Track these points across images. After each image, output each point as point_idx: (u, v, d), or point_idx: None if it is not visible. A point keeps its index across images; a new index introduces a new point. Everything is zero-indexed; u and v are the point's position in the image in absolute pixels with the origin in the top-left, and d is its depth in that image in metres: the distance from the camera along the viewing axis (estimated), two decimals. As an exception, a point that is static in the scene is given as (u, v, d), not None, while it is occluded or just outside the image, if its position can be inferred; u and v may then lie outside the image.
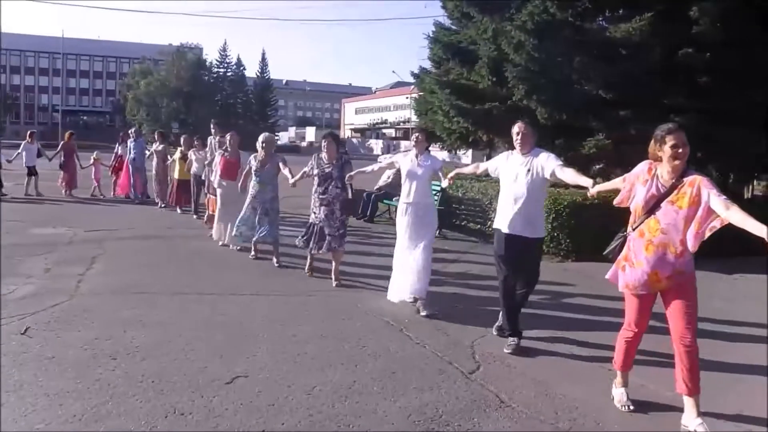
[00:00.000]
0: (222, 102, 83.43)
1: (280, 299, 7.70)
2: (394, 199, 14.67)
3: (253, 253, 10.04)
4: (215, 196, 11.72)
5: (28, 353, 5.43)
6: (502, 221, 6.11)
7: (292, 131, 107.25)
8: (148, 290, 7.84)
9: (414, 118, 44.02)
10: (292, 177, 9.02)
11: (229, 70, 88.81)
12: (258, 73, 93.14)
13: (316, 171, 8.53)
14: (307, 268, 8.99)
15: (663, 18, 11.48)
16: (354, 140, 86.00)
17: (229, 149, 11.07)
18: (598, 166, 13.97)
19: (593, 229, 10.04)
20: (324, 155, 8.55)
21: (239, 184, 10.14)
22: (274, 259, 9.67)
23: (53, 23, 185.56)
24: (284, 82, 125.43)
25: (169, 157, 16.65)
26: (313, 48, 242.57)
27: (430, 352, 5.88)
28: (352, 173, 8.20)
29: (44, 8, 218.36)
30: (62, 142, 19.21)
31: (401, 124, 79.93)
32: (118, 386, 4.76)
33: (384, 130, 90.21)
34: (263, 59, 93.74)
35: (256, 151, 9.97)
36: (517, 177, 6.00)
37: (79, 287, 7.85)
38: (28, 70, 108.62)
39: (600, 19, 13.98)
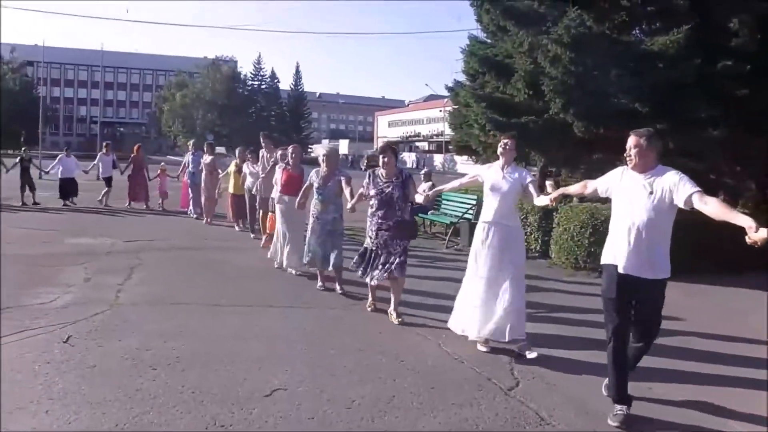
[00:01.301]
0: (256, 114, 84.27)
1: (316, 312, 7.72)
2: (429, 213, 14.68)
3: (320, 283, 8.98)
4: (272, 212, 10.91)
5: (71, 362, 5.52)
6: (615, 256, 4.87)
7: (325, 144, 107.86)
8: (185, 301, 7.93)
9: (448, 131, 44.00)
10: (350, 199, 7.89)
11: (263, 82, 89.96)
12: (292, 86, 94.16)
13: (372, 191, 7.41)
14: (368, 303, 7.86)
15: (700, 30, 11.37)
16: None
17: (291, 162, 10.12)
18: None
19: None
20: (382, 172, 7.42)
21: (297, 201, 9.03)
22: (337, 286, 8.72)
23: (93, 37, 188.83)
24: (317, 94, 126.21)
25: (220, 171, 15.75)
26: (347, 61, 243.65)
27: (468, 367, 5.85)
28: (430, 192, 7.36)
29: (84, 23, 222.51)
30: (132, 155, 19.09)
31: (434, 137, 79.88)
32: (158, 396, 4.81)
33: (417, 143, 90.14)
34: (297, 72, 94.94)
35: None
36: (635, 200, 4.78)
37: (119, 297, 7.97)
38: (68, 83, 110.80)
39: (636, 31, 13.89)
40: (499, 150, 6.48)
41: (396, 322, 7.21)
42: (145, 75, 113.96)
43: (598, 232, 10.57)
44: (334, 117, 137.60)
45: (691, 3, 11.48)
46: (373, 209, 7.44)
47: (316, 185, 8.74)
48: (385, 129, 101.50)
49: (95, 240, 12.38)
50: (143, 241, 12.43)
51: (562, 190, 6.02)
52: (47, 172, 19.19)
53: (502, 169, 6.42)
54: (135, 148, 19.37)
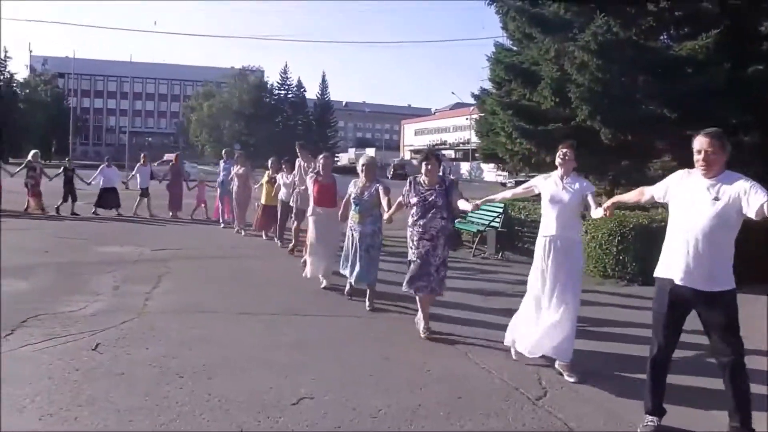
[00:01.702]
0: (282, 123, 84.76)
1: (342, 320, 7.71)
2: (456, 221, 14.61)
3: (348, 294, 8.78)
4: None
5: (99, 369, 5.57)
6: (670, 267, 4.56)
7: (351, 152, 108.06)
8: (212, 309, 7.96)
9: (474, 139, 43.91)
10: (389, 209, 7.56)
11: (290, 92, 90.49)
12: (318, 95, 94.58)
13: (414, 199, 6.99)
14: (422, 328, 7.07)
15: (730, 35, 11.25)
16: (414, 161, 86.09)
17: (321, 172, 9.73)
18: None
19: (659, 252, 9.92)
20: (424, 179, 7.00)
21: (339, 213, 8.78)
22: (367, 303, 8.25)
23: (122, 49, 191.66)
24: (344, 103, 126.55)
25: (253, 181, 15.62)
26: (373, 70, 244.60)
27: (496, 377, 5.79)
28: (479, 202, 6.84)
29: (114, 35, 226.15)
30: (170, 164, 19.16)
31: (461, 145, 79.82)
32: (185, 404, 4.83)
33: (444, 152, 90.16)
34: (323, 81, 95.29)
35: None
36: (697, 207, 4.43)
37: (147, 305, 8.02)
38: (98, 94, 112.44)
39: (664, 37, 13.79)
40: (558, 160, 6.08)
41: (423, 335, 6.93)
42: (173, 85, 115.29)
43: (626, 240, 10.48)
44: (360, 126, 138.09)
45: (720, 7, 11.38)
46: (415, 218, 7.01)
47: (353, 196, 8.38)
48: (412, 137, 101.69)
49: (123, 248, 12.50)
50: (171, 250, 12.54)
51: (616, 200, 5.67)
52: (89, 183, 19.38)
53: (562, 179, 6.02)
54: (174, 157, 19.58)
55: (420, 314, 7.16)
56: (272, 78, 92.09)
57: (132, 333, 6.72)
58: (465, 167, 73.50)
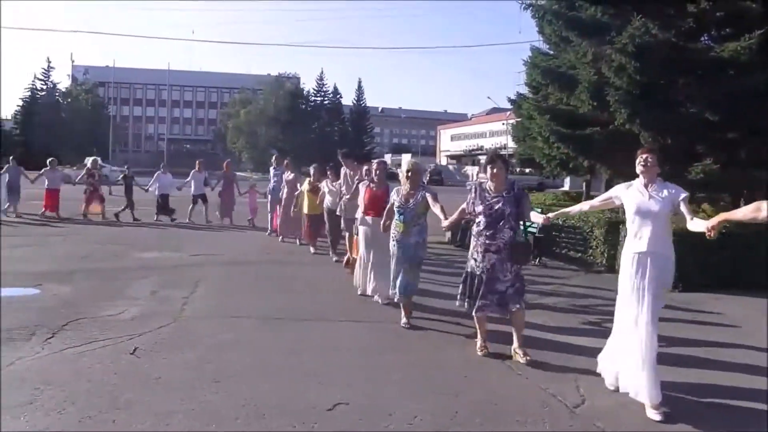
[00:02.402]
0: (319, 129, 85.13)
1: (376, 326, 7.67)
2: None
3: (404, 320, 7.63)
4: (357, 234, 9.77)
5: (137, 373, 5.63)
6: None
7: (387, 158, 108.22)
8: (248, 314, 7.99)
9: (511, 144, 43.64)
10: (445, 217, 7.02)
11: (326, 98, 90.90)
12: (354, 101, 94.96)
13: (480, 207, 6.36)
14: (479, 346, 6.56)
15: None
16: (450, 167, 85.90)
17: (375, 179, 9.18)
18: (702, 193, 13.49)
19: (695, 258, 9.84)
20: (490, 185, 6.42)
21: (381, 223, 8.12)
22: (404, 318, 7.62)
23: (160, 57, 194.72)
24: (380, 109, 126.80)
25: (299, 187, 14.46)
26: (408, 75, 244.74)
27: (533, 383, 5.71)
28: (551, 215, 6.43)
29: (152, 43, 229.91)
30: (222, 171, 18.99)
31: (497, 150, 79.38)
32: (221, 409, 4.85)
33: (480, 157, 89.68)
34: (359, 87, 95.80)
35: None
36: None
37: (184, 310, 8.09)
38: (136, 102, 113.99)
39: (705, 38, 13.54)
40: (639, 168, 5.47)
41: (524, 361, 6.14)
42: (210, 93, 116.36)
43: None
44: (396, 131, 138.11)
45: (763, 7, 11.14)
46: (480, 228, 6.37)
47: (396, 204, 7.77)
48: (448, 143, 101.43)
49: (162, 254, 12.65)
50: (209, 255, 12.66)
51: (725, 216, 4.96)
52: (147, 190, 19.69)
53: (646, 187, 5.36)
54: (224, 164, 19.35)
55: (515, 338, 6.39)
56: (308, 84, 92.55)
57: (169, 337, 6.79)
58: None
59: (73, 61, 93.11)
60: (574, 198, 19.10)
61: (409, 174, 7.78)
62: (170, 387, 5.29)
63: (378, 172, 9.18)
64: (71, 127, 73.10)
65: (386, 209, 8.10)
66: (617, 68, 11.96)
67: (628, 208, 5.47)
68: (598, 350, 6.09)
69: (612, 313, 5.76)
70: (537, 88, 17.42)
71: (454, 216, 6.83)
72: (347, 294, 9.37)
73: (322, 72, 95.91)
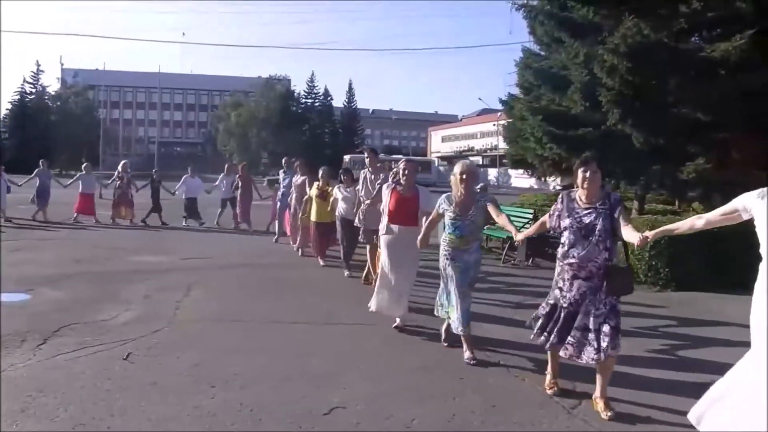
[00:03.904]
0: (310, 131, 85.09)
1: (375, 329, 7.59)
2: (486, 228, 14.50)
3: (469, 354, 6.37)
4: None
5: (131, 378, 5.56)
6: None
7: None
8: (243, 318, 7.95)
9: (502, 145, 43.78)
10: (517, 229, 6.09)
11: (316, 100, 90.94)
12: (345, 103, 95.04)
13: (566, 221, 5.23)
14: (547, 383, 5.59)
15: (765, 36, 11.03)
16: (441, 168, 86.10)
17: (403, 182, 7.77)
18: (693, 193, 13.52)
19: (692, 257, 10.06)
20: (580, 194, 5.24)
21: (419, 238, 6.90)
22: (467, 353, 6.36)
23: (150, 60, 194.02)
24: (371, 111, 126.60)
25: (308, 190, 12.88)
26: (399, 77, 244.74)
27: (530, 385, 5.70)
28: (650, 234, 4.83)
29: (143, 46, 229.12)
30: (238, 175, 18.17)
31: (488, 151, 79.50)
32: (217, 414, 4.80)
33: (471, 158, 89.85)
34: (350, 89, 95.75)
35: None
36: None
37: (177, 314, 8.03)
38: (127, 105, 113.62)
39: (696, 38, 13.57)
40: None
41: (606, 416, 4.97)
42: (200, 95, 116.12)
43: (659, 245, 10.31)
44: (387, 133, 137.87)
45: (754, 7, 11.16)
46: (566, 248, 5.23)
47: (450, 215, 6.47)
48: (439, 144, 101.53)
49: (156, 258, 12.57)
50: (202, 259, 12.61)
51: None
52: (173, 194, 19.64)
53: None
54: (240, 167, 18.70)
55: (599, 385, 5.21)
56: (299, 87, 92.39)
57: (163, 342, 6.73)
58: (492, 173, 73.17)
59: (62, 64, 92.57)
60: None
61: (464, 177, 6.42)
62: (165, 392, 5.24)
63: (407, 172, 7.76)
64: (61, 130, 72.60)
65: (429, 219, 6.97)
66: (609, 69, 11.96)
67: (761, 221, 4.18)
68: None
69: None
70: (529, 89, 17.45)
71: (531, 229, 6.11)
72: (342, 297, 9.35)
73: (312, 74, 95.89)
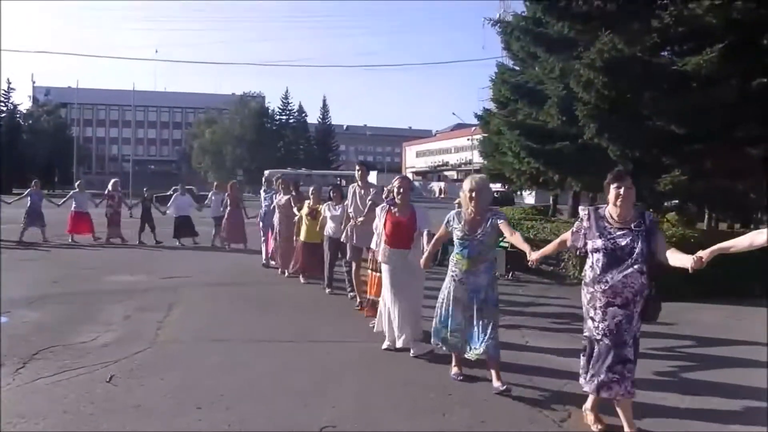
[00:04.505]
0: (284, 148, 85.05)
1: (360, 346, 7.53)
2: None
3: (456, 370, 6.20)
4: (372, 270, 8.32)
5: (114, 401, 5.45)
6: None
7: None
8: (225, 337, 7.85)
9: (477, 159, 43.94)
10: (531, 248, 5.50)
11: (291, 117, 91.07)
12: (319, 119, 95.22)
13: (599, 242, 4.76)
14: (592, 422, 5.00)
15: (734, 49, 11.22)
16: (416, 183, 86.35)
17: (398, 201, 7.27)
18: (672, 203, 13.68)
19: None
20: (611, 212, 4.79)
21: (423, 258, 6.54)
22: (496, 382, 5.81)
23: (124, 77, 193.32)
24: (345, 127, 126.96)
25: (296, 211, 12.30)
26: (373, 93, 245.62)
27: (519, 400, 5.67)
28: (704, 254, 4.31)
29: (116, 64, 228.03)
30: (226, 193, 17.34)
31: (462, 165, 79.90)
32: (205, 436, 4.74)
33: (446, 173, 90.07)
34: (324, 105, 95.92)
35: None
36: None
37: (159, 334, 7.91)
38: (100, 123, 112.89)
39: (668, 52, 13.76)
40: None
41: (596, 429, 4.92)
42: (174, 113, 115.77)
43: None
44: (361, 149, 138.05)
45: (725, 22, 11.35)
46: (597, 272, 4.76)
47: (458, 234, 6.01)
48: (413, 159, 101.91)
49: (134, 277, 12.40)
50: (181, 278, 12.42)
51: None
52: (164, 213, 19.32)
53: None
54: (229, 185, 17.76)
55: (625, 422, 4.86)
56: (273, 103, 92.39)
57: (146, 363, 6.62)
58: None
59: (33, 82, 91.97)
60: (542, 212, 19.25)
61: (474, 194, 5.92)
62: (150, 415, 5.15)
63: (401, 191, 7.26)
64: (33, 149, 71.91)
65: (435, 237, 6.56)
66: (585, 83, 12.10)
67: None
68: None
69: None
70: (504, 104, 17.59)
71: (548, 248, 5.62)
72: (324, 314, 9.29)
73: (287, 91, 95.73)
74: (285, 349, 7.37)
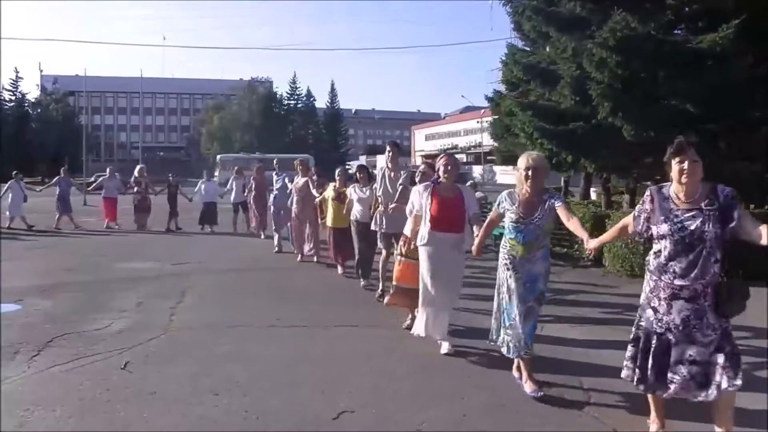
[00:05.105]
0: (293, 133, 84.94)
1: (377, 332, 7.44)
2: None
3: (533, 389, 5.30)
4: (405, 256, 7.13)
5: (130, 388, 5.43)
6: None
7: (362, 159, 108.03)
8: (240, 323, 7.80)
9: (486, 141, 43.73)
10: (589, 236, 5.01)
11: (299, 101, 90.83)
12: (328, 104, 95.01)
13: (664, 226, 4.14)
14: (655, 423, 4.55)
15: (750, 26, 11.04)
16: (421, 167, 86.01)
17: (444, 180, 6.54)
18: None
19: None
20: (676, 192, 4.17)
21: (475, 245, 6.01)
22: (530, 385, 5.34)
23: (131, 65, 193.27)
24: (353, 111, 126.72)
25: (314, 192, 12.09)
26: (381, 76, 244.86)
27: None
28: None
29: (123, 51, 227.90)
30: (252, 177, 16.85)
31: (472, 148, 79.58)
32: (223, 424, 4.70)
33: (456, 155, 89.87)
34: (332, 89, 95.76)
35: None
36: None
37: (173, 321, 7.89)
38: (108, 110, 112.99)
39: (681, 30, 13.58)
40: None
41: None
42: (182, 99, 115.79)
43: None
44: (370, 132, 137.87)
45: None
46: (663, 260, 4.19)
47: (512, 217, 5.42)
48: (422, 142, 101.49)
49: (144, 264, 12.39)
50: (192, 264, 12.46)
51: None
52: (190, 200, 19.38)
53: None
54: (255, 169, 17.04)
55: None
56: (281, 88, 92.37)
57: (160, 350, 6.60)
58: (477, 170, 73.28)
59: (41, 71, 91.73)
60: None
61: (530, 173, 5.32)
62: (167, 401, 5.12)
63: (449, 168, 6.54)
64: (42, 138, 72.04)
65: (487, 221, 5.96)
66: (598, 62, 11.94)
67: None
68: (602, 345, 6.03)
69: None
70: (515, 85, 17.40)
71: (607, 235, 5.13)
72: (339, 300, 9.23)
73: (294, 75, 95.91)
74: (299, 335, 7.31)
